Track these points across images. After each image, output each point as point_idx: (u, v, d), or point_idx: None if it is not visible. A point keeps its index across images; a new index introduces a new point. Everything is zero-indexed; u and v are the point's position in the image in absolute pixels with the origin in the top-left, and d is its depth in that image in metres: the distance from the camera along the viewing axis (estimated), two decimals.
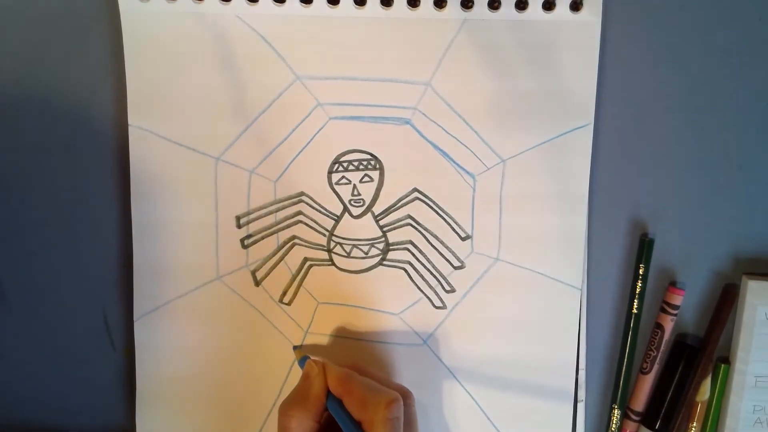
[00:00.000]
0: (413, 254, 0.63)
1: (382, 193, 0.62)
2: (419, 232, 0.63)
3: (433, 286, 0.63)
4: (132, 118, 0.61)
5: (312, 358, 0.58)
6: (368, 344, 0.64)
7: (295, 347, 0.63)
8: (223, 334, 0.64)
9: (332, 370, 0.55)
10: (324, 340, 0.64)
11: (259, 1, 0.59)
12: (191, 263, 0.63)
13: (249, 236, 0.63)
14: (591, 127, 0.60)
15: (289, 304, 0.64)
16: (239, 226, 0.63)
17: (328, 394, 0.55)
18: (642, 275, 0.63)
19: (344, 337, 0.64)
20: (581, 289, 0.63)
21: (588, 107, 0.60)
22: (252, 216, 0.62)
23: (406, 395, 0.56)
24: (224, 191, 0.62)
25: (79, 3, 0.61)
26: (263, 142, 0.61)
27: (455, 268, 0.63)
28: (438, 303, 0.63)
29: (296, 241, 0.63)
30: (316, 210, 0.62)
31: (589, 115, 0.60)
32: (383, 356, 0.64)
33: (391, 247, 0.63)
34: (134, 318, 0.64)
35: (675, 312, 0.63)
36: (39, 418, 0.68)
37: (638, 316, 0.63)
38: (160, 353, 0.64)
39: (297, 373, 0.64)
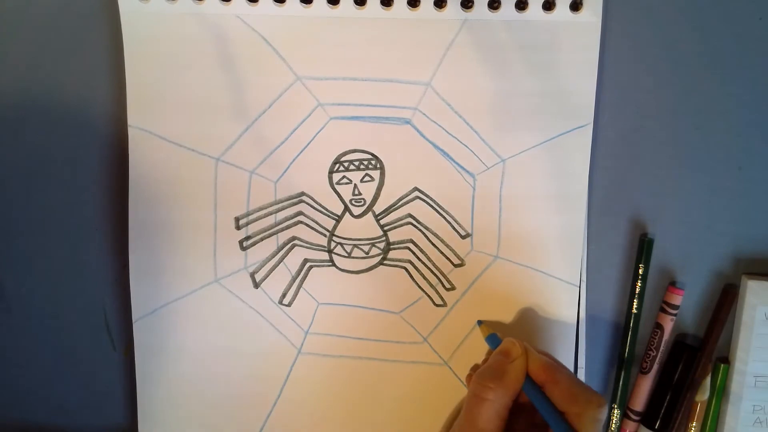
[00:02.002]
0: (414, 253, 0.63)
1: (382, 192, 0.62)
2: (420, 231, 0.63)
3: (433, 284, 0.63)
4: (131, 119, 0.61)
5: (507, 338, 0.57)
6: (369, 343, 0.64)
7: (479, 322, 0.63)
8: (223, 335, 0.64)
9: (535, 355, 0.54)
10: (324, 341, 0.64)
11: (260, 2, 0.59)
12: (189, 265, 0.63)
13: (248, 238, 0.63)
14: (590, 127, 0.60)
15: (289, 305, 0.64)
16: (238, 228, 0.63)
17: (527, 379, 0.54)
18: (642, 275, 0.63)
19: (345, 337, 0.64)
20: (580, 287, 0.63)
21: (588, 107, 0.60)
22: (251, 217, 0.62)
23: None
24: (224, 192, 0.62)
25: (78, 3, 0.61)
26: (263, 143, 0.61)
27: (455, 266, 0.63)
28: (438, 301, 0.63)
29: (296, 242, 0.63)
30: (317, 210, 0.62)
31: (589, 115, 0.60)
32: (384, 355, 0.64)
33: (391, 247, 0.63)
34: (133, 320, 0.64)
35: (675, 312, 0.63)
36: (39, 418, 0.68)
37: (638, 316, 0.64)
38: (160, 354, 0.64)
39: (297, 373, 0.64)
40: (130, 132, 0.61)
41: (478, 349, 0.64)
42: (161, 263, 0.63)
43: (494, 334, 0.59)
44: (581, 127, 0.60)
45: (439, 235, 0.63)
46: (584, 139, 0.60)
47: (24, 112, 0.63)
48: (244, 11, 0.59)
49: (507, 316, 0.63)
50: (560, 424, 0.51)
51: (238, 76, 0.60)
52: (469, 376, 0.58)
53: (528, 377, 0.53)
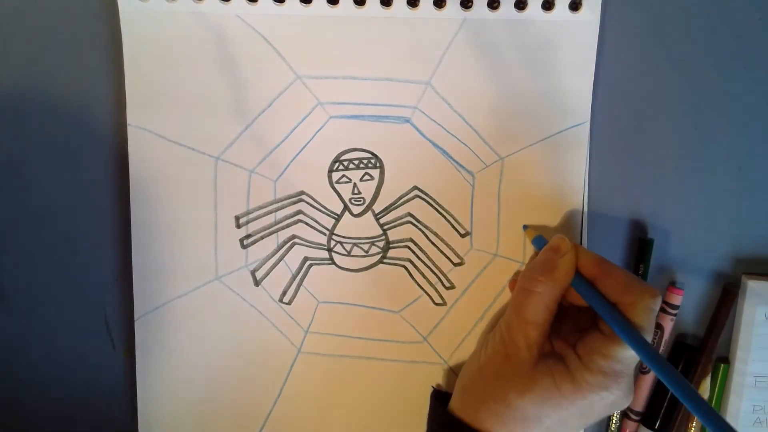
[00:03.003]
0: (413, 252, 0.63)
1: (382, 191, 0.62)
2: (419, 229, 0.63)
3: (433, 283, 0.63)
4: (131, 118, 0.61)
5: (556, 234, 0.57)
6: (369, 343, 0.64)
7: (525, 226, 0.62)
8: (223, 334, 0.64)
9: (585, 250, 0.54)
10: (324, 339, 0.64)
11: (259, 1, 0.59)
12: (190, 263, 0.63)
13: (248, 236, 0.63)
14: (587, 125, 0.60)
15: (289, 303, 0.64)
16: (239, 226, 0.63)
17: (577, 274, 0.54)
18: (642, 275, 0.63)
19: (345, 335, 0.64)
20: None
21: (585, 106, 0.60)
22: (252, 216, 0.62)
23: None
24: (224, 191, 0.62)
25: (78, 2, 0.61)
26: (263, 142, 0.61)
27: (455, 264, 0.63)
28: (438, 300, 0.63)
29: (296, 240, 0.63)
30: (317, 209, 0.63)
31: (586, 114, 0.60)
32: (383, 354, 0.64)
33: (391, 245, 0.63)
34: (135, 318, 0.64)
35: (675, 312, 0.63)
36: (39, 418, 0.68)
37: None
38: (160, 353, 0.64)
39: (297, 373, 0.64)
40: (130, 131, 0.61)
41: None
42: (163, 261, 0.63)
43: (540, 236, 0.58)
44: (579, 125, 0.60)
45: (439, 233, 0.63)
46: (582, 137, 0.60)
47: (23, 111, 0.63)
48: (243, 10, 0.59)
49: None
50: (613, 313, 0.51)
51: (237, 75, 0.60)
52: (513, 281, 0.58)
53: (577, 273, 0.54)
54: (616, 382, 0.50)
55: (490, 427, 0.52)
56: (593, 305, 0.52)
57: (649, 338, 0.50)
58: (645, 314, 0.50)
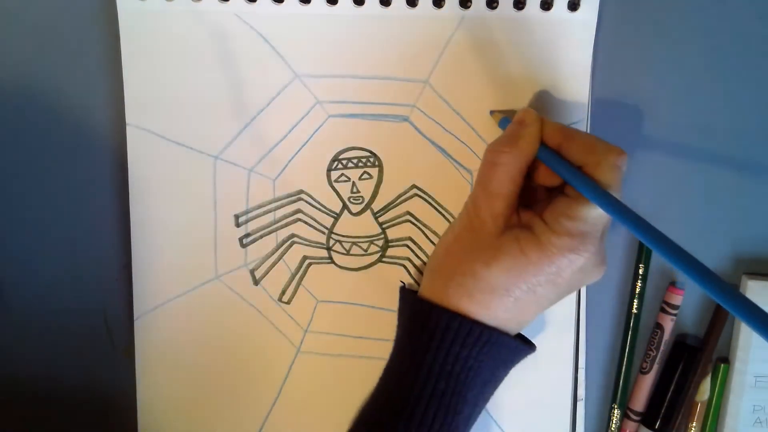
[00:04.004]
0: (412, 250, 0.63)
1: (381, 190, 0.62)
2: (418, 228, 0.63)
3: None
4: (130, 117, 0.61)
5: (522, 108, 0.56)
6: (368, 342, 0.64)
7: (491, 111, 0.61)
8: (223, 334, 0.64)
9: (550, 121, 0.54)
10: (324, 339, 0.64)
11: (258, 1, 0.59)
12: (190, 263, 0.63)
13: (248, 235, 0.63)
14: (584, 123, 0.60)
15: (288, 302, 0.64)
16: (238, 225, 0.63)
17: (541, 144, 0.53)
18: (642, 275, 0.63)
19: (344, 335, 0.64)
20: None
21: (582, 104, 0.60)
22: (251, 215, 0.63)
23: None
24: (223, 190, 0.62)
25: (77, 2, 0.61)
26: (262, 141, 0.61)
27: None
28: None
29: (295, 239, 0.63)
30: (315, 208, 0.63)
31: (583, 112, 0.60)
32: (383, 354, 0.64)
33: (390, 244, 0.63)
34: (134, 317, 0.64)
35: (675, 312, 0.63)
36: (39, 418, 0.68)
37: (638, 316, 0.63)
38: (160, 352, 0.65)
39: (297, 372, 0.64)
40: (129, 130, 0.61)
41: None
42: (162, 261, 0.63)
43: (506, 117, 0.58)
44: (576, 123, 0.60)
45: (438, 232, 0.62)
46: None
47: (22, 111, 0.63)
48: (242, 10, 0.59)
49: None
50: (578, 174, 0.50)
51: (236, 74, 0.60)
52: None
53: (543, 144, 0.53)
54: (583, 243, 0.49)
55: (458, 302, 0.52)
56: (558, 170, 0.52)
57: (618, 196, 0.49)
58: (610, 171, 0.49)
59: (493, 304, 0.51)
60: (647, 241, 0.46)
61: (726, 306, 0.41)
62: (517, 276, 0.51)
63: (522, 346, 0.55)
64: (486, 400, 0.56)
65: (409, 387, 0.52)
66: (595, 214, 0.49)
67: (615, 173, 0.49)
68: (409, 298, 0.56)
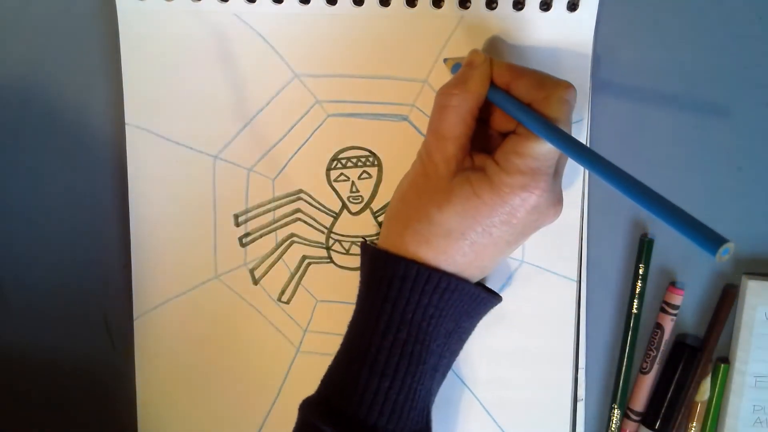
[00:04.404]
0: None
1: (380, 189, 0.62)
2: None
3: None
4: (129, 117, 0.62)
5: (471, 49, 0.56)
6: None
7: (445, 59, 0.60)
8: (223, 333, 0.64)
9: (499, 61, 0.54)
10: (324, 338, 0.64)
11: (257, 0, 0.59)
12: (189, 262, 0.64)
13: (247, 234, 0.63)
14: (584, 123, 0.60)
15: (287, 302, 0.64)
16: (237, 225, 0.63)
17: (491, 85, 0.53)
18: (642, 275, 0.63)
19: (344, 334, 0.64)
20: (579, 285, 0.63)
21: (582, 103, 0.60)
22: (250, 214, 0.63)
23: None
24: (222, 189, 0.62)
25: (76, 2, 0.62)
26: (261, 140, 0.61)
27: None
28: None
29: (295, 239, 0.63)
30: (315, 207, 0.63)
31: (583, 111, 0.60)
32: None
33: None
34: (134, 317, 0.64)
35: (675, 312, 0.63)
36: (39, 418, 0.68)
37: (638, 316, 0.63)
38: (159, 352, 0.65)
39: (297, 372, 0.64)
40: (128, 130, 0.62)
41: (478, 347, 0.64)
42: (161, 260, 0.63)
43: (458, 63, 0.57)
44: (576, 122, 0.60)
45: None
46: (579, 135, 0.60)
47: (22, 111, 0.63)
48: (241, 9, 0.60)
49: (506, 312, 0.63)
50: (526, 111, 0.50)
51: (235, 74, 0.60)
52: None
53: (493, 84, 0.53)
54: (534, 181, 0.49)
55: (415, 249, 0.52)
56: (506, 109, 0.52)
57: (567, 130, 0.49)
58: (559, 106, 0.49)
59: (450, 248, 0.52)
60: (594, 170, 0.45)
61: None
62: (471, 218, 0.51)
63: (484, 294, 0.55)
64: (453, 352, 0.56)
65: (370, 336, 0.53)
66: (544, 150, 0.49)
67: (563, 107, 0.49)
68: (369, 251, 0.56)
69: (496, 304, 0.58)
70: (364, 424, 0.51)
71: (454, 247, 0.52)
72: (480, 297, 0.55)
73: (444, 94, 0.53)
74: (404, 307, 0.52)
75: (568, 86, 0.50)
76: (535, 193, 0.50)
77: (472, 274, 0.54)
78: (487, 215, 0.50)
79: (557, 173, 0.53)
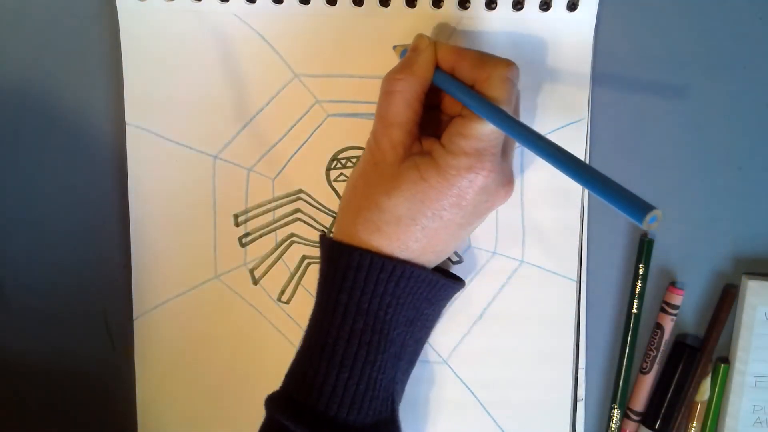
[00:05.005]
0: None
1: None
2: None
3: None
4: (129, 117, 0.62)
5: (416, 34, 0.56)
6: None
7: (395, 46, 0.60)
8: (223, 333, 0.64)
9: (444, 44, 0.54)
10: None
11: (257, 1, 0.59)
12: (189, 262, 0.64)
13: (247, 234, 0.63)
14: (585, 123, 0.60)
15: (287, 302, 0.64)
16: (237, 225, 0.63)
17: (436, 68, 0.53)
18: (642, 275, 0.63)
19: None
20: (579, 285, 0.63)
21: (582, 103, 0.60)
22: (250, 214, 0.63)
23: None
24: (222, 189, 0.62)
25: (77, 2, 0.62)
26: (261, 140, 0.61)
27: (453, 263, 0.63)
28: None
29: (294, 239, 0.63)
30: (315, 207, 0.63)
31: (583, 111, 0.60)
32: None
33: None
34: (134, 317, 0.64)
35: (675, 312, 0.63)
36: (39, 418, 0.68)
37: (638, 316, 0.63)
38: (159, 352, 0.65)
39: None
40: (128, 130, 0.62)
41: (478, 347, 0.64)
42: (161, 260, 0.63)
43: (406, 50, 0.57)
44: (576, 122, 0.60)
45: None
46: (579, 134, 0.60)
47: (23, 110, 0.63)
48: (241, 10, 0.60)
49: (506, 312, 0.63)
50: (468, 92, 0.50)
51: (235, 74, 0.60)
52: None
53: (438, 68, 0.53)
54: (480, 161, 0.49)
55: (368, 238, 0.52)
56: (450, 91, 0.52)
57: (509, 110, 0.49)
58: (500, 85, 0.49)
59: (402, 235, 0.52)
60: (532, 147, 0.45)
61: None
62: (420, 202, 0.51)
63: (443, 280, 0.55)
64: (418, 340, 0.56)
65: (328, 328, 0.53)
66: (487, 130, 0.49)
67: (504, 86, 0.49)
68: (325, 242, 0.56)
69: (458, 290, 0.58)
70: (324, 416, 0.52)
71: (406, 234, 0.52)
72: (439, 283, 0.55)
73: (389, 79, 0.53)
74: (360, 297, 0.52)
75: (508, 64, 0.50)
76: (482, 174, 0.50)
77: (429, 259, 0.54)
78: (436, 199, 0.50)
79: (505, 153, 0.53)
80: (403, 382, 0.57)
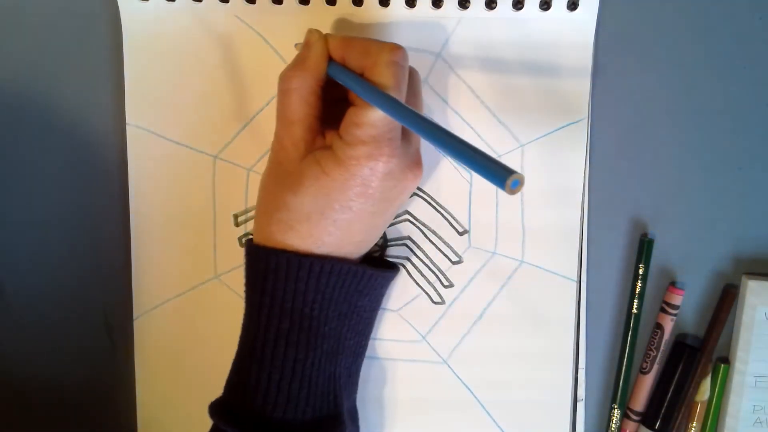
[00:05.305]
0: (412, 250, 0.63)
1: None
2: (417, 228, 0.62)
3: (431, 281, 0.63)
4: (130, 117, 0.62)
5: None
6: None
7: (296, 44, 0.59)
8: (223, 333, 0.64)
9: (335, 36, 0.54)
10: None
11: (258, 1, 0.59)
12: (189, 262, 0.64)
13: (247, 234, 0.63)
14: (585, 122, 0.60)
15: None
16: (237, 225, 0.63)
17: (330, 61, 0.54)
18: (642, 275, 0.63)
19: None
20: (579, 285, 0.63)
21: (582, 103, 0.60)
22: (250, 214, 0.63)
23: (412, 70, 0.55)
24: (222, 189, 0.62)
25: (78, 2, 0.62)
26: (261, 140, 0.61)
27: (453, 263, 0.63)
28: (436, 298, 0.63)
29: None
30: None
31: (584, 111, 0.60)
32: (382, 354, 0.64)
33: (389, 244, 0.63)
34: (134, 317, 0.64)
35: (675, 312, 0.63)
36: (39, 418, 0.68)
37: (638, 316, 0.63)
38: (159, 352, 0.65)
39: None
40: (129, 130, 0.62)
41: (478, 348, 0.64)
42: (162, 260, 0.63)
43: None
44: (576, 122, 0.60)
45: (437, 232, 0.62)
46: (580, 134, 0.60)
47: (24, 110, 0.63)
48: (242, 10, 0.60)
49: (506, 312, 0.63)
50: (356, 80, 0.50)
51: (236, 74, 0.61)
52: None
53: (331, 60, 0.53)
54: (377, 148, 0.49)
55: (283, 238, 0.52)
56: (342, 81, 0.52)
57: (398, 93, 0.49)
58: (385, 70, 0.49)
59: (315, 231, 0.52)
60: (421, 132, 0.45)
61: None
62: (326, 196, 0.51)
63: (370, 270, 0.55)
64: (360, 332, 0.57)
65: (255, 331, 0.53)
66: (379, 116, 0.49)
67: (390, 70, 0.49)
68: (246, 247, 0.56)
69: (392, 278, 0.59)
70: (260, 418, 0.52)
71: (318, 229, 0.52)
72: (365, 273, 0.55)
73: (283, 77, 0.53)
74: (282, 297, 0.52)
75: (392, 48, 0.50)
76: (382, 160, 0.50)
77: (349, 251, 0.54)
78: (341, 191, 0.51)
79: (407, 136, 0.53)
80: (351, 375, 0.57)
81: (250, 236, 0.57)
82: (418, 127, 0.45)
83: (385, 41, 0.52)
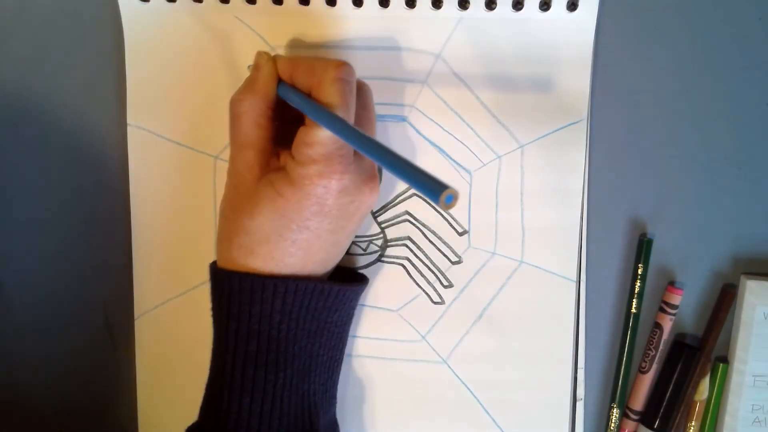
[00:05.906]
0: (411, 250, 0.63)
1: (380, 189, 0.62)
2: (417, 228, 0.63)
3: (431, 281, 0.63)
4: (131, 117, 0.62)
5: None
6: (367, 341, 0.64)
7: (248, 66, 0.59)
8: None
9: (283, 57, 0.54)
10: None
11: (258, 2, 0.59)
12: (190, 262, 0.63)
13: None
14: (584, 123, 0.60)
15: None
16: None
17: (280, 82, 0.54)
18: (641, 275, 0.63)
19: None
20: (579, 285, 0.63)
21: (582, 103, 0.60)
22: None
23: (361, 84, 0.56)
24: (222, 190, 0.62)
25: (79, 3, 0.62)
26: None
27: (453, 263, 0.63)
28: (436, 299, 0.63)
29: None
30: None
31: (583, 112, 0.60)
32: (382, 353, 0.64)
33: (389, 244, 0.63)
34: (135, 317, 0.64)
35: (674, 311, 0.63)
36: (39, 418, 0.68)
37: (637, 315, 0.63)
38: (160, 352, 0.65)
39: None
40: (130, 130, 0.62)
41: (477, 347, 0.64)
42: (162, 260, 0.63)
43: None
44: (576, 122, 0.60)
45: (437, 232, 0.62)
46: (579, 135, 0.60)
47: (24, 111, 0.63)
48: (242, 11, 0.60)
49: (505, 312, 0.63)
50: (303, 100, 0.50)
51: (236, 74, 0.60)
52: None
53: (281, 81, 0.54)
54: (329, 166, 0.49)
55: (245, 262, 0.52)
56: (291, 101, 0.52)
57: (344, 112, 0.50)
58: (331, 87, 0.49)
59: (275, 252, 0.52)
60: (362, 149, 0.45)
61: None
62: (281, 218, 0.51)
63: (336, 287, 0.55)
64: (333, 347, 0.57)
65: (224, 356, 0.53)
66: (327, 134, 0.49)
67: (335, 87, 0.49)
68: (211, 269, 0.56)
69: (361, 291, 0.59)
70: None
71: (278, 250, 0.52)
72: (332, 290, 0.54)
73: (234, 101, 0.53)
74: (248, 320, 0.52)
75: (337, 65, 0.50)
76: (335, 178, 0.50)
77: (313, 269, 0.54)
78: (297, 211, 0.51)
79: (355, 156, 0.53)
80: (327, 391, 0.57)
81: (214, 261, 0.57)
82: (358, 143, 0.45)
83: (331, 59, 0.52)
